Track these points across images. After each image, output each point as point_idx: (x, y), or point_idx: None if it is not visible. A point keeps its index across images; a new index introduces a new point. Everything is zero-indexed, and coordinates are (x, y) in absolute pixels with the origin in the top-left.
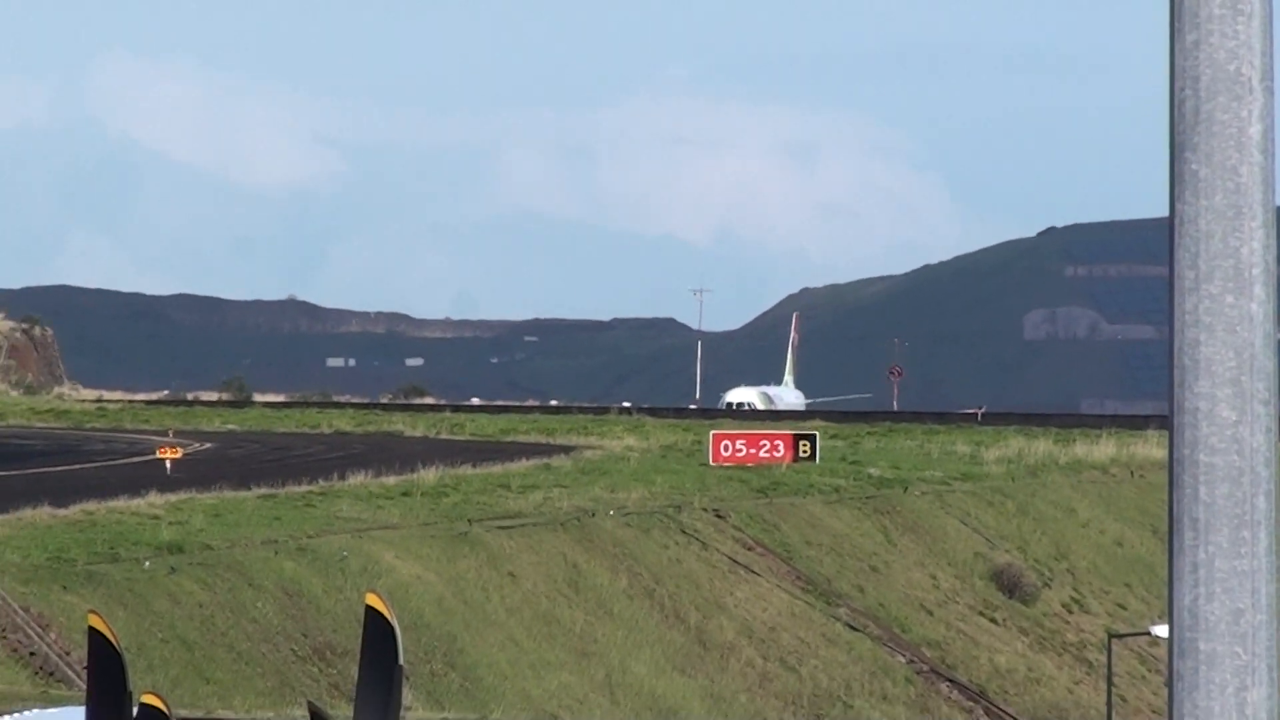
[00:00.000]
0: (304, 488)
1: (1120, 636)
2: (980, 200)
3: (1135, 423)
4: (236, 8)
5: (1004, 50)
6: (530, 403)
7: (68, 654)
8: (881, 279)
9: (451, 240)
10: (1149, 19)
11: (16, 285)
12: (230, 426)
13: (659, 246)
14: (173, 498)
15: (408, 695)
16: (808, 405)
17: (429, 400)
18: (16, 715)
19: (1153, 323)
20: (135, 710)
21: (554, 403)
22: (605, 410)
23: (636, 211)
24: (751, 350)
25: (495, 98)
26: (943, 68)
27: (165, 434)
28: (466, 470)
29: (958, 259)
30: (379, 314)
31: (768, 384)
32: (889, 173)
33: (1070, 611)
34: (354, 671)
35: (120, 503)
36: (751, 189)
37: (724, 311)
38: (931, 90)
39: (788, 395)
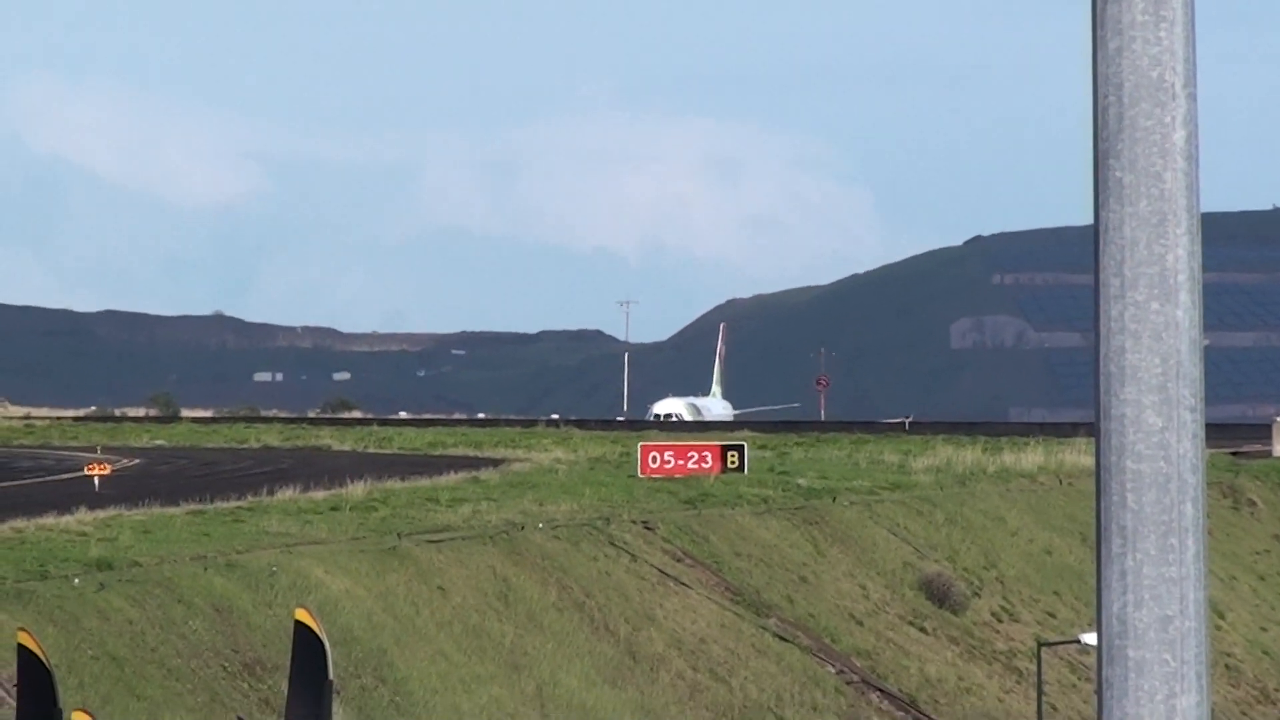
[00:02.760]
0: (232, 503)
1: (1050, 645)
2: (906, 210)
3: (1063, 430)
4: (159, 28)
5: (928, 61)
6: (458, 416)
7: None
8: (808, 289)
9: (378, 256)
10: (1072, 26)
11: None
12: (158, 442)
13: (585, 260)
14: (101, 514)
15: (337, 710)
16: (735, 416)
17: (357, 414)
18: None
19: (1079, 330)
20: None
21: (481, 416)
22: (533, 423)
23: (562, 225)
24: (679, 361)
25: (418, 115)
26: (866, 80)
27: (93, 450)
28: (395, 484)
29: (884, 269)
30: (306, 329)
31: (695, 395)
32: (814, 184)
33: (1000, 620)
34: (284, 687)
35: (49, 520)
36: (677, 202)
37: (651, 323)
38: (855, 102)
39: (715, 406)
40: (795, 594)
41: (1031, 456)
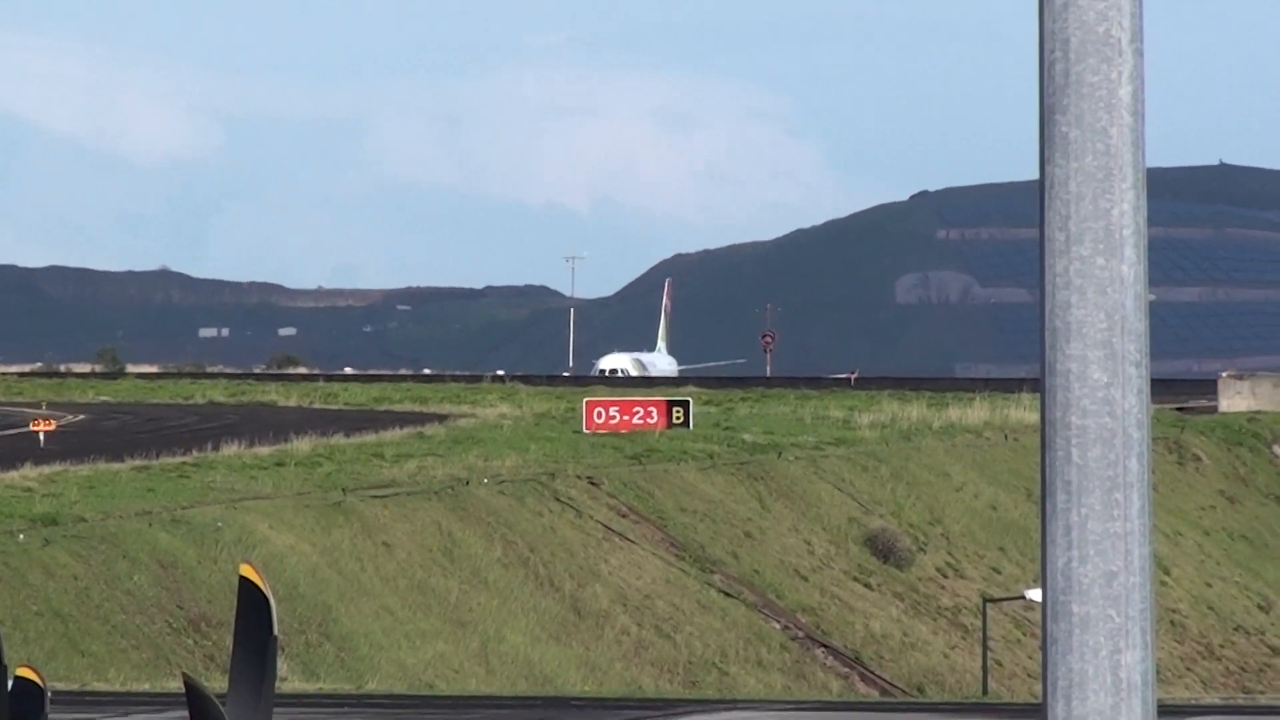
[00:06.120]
0: (178, 459)
1: (995, 601)
2: (853, 164)
3: (1008, 385)
4: None
5: (878, 15)
6: (403, 371)
7: None
8: (754, 244)
9: (328, 212)
10: None
11: None
12: (103, 398)
13: (534, 215)
14: (46, 470)
15: (282, 666)
16: (681, 371)
17: (302, 370)
18: None
19: (1025, 285)
20: (10, 683)
21: (427, 371)
22: (478, 378)
23: (511, 180)
24: (625, 317)
25: (369, 68)
26: (817, 33)
27: (38, 406)
28: (340, 440)
29: (830, 224)
30: (252, 284)
31: (641, 350)
32: (764, 138)
33: (945, 576)
34: (229, 643)
35: None
36: (628, 156)
37: (598, 279)
38: (805, 55)
39: (661, 362)
40: (740, 550)
41: (977, 412)
